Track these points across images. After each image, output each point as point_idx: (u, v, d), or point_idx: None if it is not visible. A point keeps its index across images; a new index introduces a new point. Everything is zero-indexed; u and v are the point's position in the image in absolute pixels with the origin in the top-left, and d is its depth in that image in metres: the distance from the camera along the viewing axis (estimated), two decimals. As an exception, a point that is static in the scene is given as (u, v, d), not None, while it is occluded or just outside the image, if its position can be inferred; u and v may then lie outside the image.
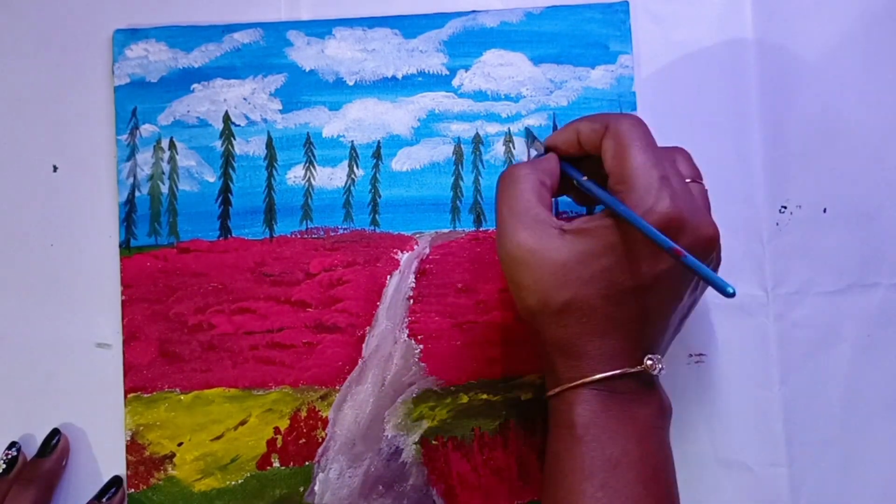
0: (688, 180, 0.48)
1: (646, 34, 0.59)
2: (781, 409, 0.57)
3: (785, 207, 0.58)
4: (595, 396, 0.46)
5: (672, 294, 0.47)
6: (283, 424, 0.57)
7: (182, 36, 0.59)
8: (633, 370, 0.46)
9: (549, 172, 0.50)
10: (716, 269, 0.49)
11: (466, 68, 0.59)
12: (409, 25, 0.59)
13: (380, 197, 0.59)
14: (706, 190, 0.49)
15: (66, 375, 0.58)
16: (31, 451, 0.56)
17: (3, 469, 0.55)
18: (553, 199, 0.50)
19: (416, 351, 0.58)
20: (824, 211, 0.58)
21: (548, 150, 0.52)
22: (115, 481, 0.57)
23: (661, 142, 0.48)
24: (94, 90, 0.59)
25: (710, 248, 0.46)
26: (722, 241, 0.49)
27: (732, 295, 0.41)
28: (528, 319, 0.48)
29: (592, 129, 0.49)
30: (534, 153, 0.57)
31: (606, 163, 0.47)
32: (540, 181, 0.48)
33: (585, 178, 0.49)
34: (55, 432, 0.56)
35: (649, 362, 0.46)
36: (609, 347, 0.46)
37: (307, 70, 0.59)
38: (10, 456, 0.55)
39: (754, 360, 0.58)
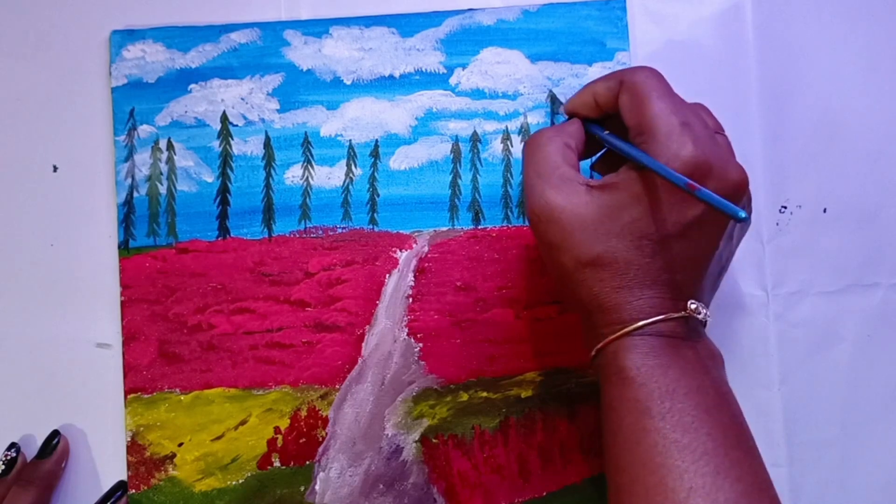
0: None
1: (644, 33, 0.59)
2: (781, 409, 0.57)
3: (785, 207, 0.58)
4: (642, 342, 0.45)
5: (705, 242, 0.46)
6: (284, 424, 0.57)
7: (179, 36, 0.59)
8: (677, 315, 0.45)
9: (572, 135, 0.49)
10: (749, 214, 0.46)
11: (464, 66, 0.59)
12: (406, 24, 0.59)
13: (378, 196, 0.58)
14: (729, 140, 0.48)
15: (66, 376, 0.58)
16: (30, 452, 0.56)
17: (3, 470, 0.55)
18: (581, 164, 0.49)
19: (416, 349, 0.58)
20: (824, 211, 0.58)
21: (569, 116, 0.51)
22: (120, 486, 0.57)
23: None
24: (91, 91, 0.59)
25: (739, 191, 0.45)
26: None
27: (744, 219, 0.40)
28: (564, 280, 0.47)
29: (608, 87, 0.48)
30: (560, 120, 0.56)
31: (625, 117, 0.46)
32: (564, 143, 0.48)
33: (607, 132, 0.49)
34: (55, 434, 0.56)
35: (693, 306, 0.45)
36: (648, 297, 0.45)
37: (304, 69, 0.59)
38: (9, 457, 0.55)
39: (754, 360, 0.57)
